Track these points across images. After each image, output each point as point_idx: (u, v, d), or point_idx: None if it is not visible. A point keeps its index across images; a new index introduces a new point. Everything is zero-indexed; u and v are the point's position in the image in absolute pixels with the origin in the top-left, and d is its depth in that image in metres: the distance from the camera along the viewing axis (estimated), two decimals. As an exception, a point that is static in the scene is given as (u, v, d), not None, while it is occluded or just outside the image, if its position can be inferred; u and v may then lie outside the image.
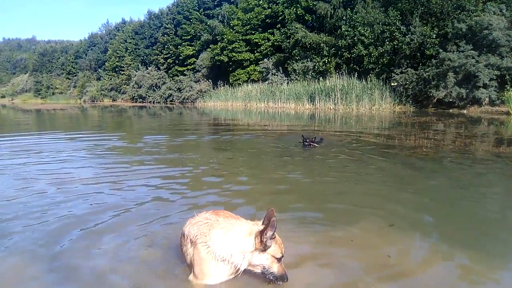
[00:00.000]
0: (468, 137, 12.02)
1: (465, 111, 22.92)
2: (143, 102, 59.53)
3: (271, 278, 2.86)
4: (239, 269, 2.83)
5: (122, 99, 67.35)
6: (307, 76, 34.02)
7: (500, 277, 3.24)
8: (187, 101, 51.12)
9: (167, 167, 7.60)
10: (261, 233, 2.75)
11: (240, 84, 41.31)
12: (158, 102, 56.39)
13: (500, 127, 15.76)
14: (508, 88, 22.23)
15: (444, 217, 4.75)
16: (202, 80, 50.45)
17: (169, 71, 58.00)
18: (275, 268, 2.84)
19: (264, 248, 2.77)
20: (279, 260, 2.85)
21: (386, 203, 5.24)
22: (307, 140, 9.77)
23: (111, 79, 70.73)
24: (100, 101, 71.08)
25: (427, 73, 24.88)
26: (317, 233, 4.05)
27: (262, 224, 2.89)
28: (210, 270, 2.83)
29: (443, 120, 18.17)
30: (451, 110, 23.46)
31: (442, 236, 4.07)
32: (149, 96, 59.46)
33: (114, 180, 6.49)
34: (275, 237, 2.80)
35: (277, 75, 37.99)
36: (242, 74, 42.52)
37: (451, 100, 23.66)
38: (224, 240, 2.79)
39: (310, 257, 3.48)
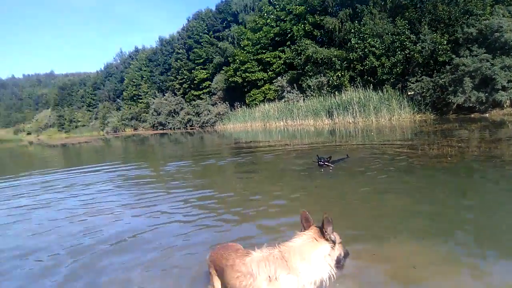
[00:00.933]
0: (493, 142, 11.90)
1: (487, 115, 22.61)
2: (163, 129, 60.55)
3: (342, 262, 2.95)
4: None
5: (143, 127, 68.65)
6: (322, 91, 34.16)
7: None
8: (206, 125, 51.81)
9: (194, 191, 7.88)
10: (322, 233, 2.85)
11: (257, 104, 41.75)
12: (179, 128, 57.28)
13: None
14: (528, 88, 21.89)
15: (479, 229, 4.80)
16: (219, 102, 51.19)
17: (185, 96, 59.11)
18: (342, 251, 2.96)
19: (333, 243, 2.86)
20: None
21: (411, 217, 5.34)
22: (322, 160, 9.48)
23: (130, 108, 72.41)
24: (122, 131, 72.63)
25: (442, 80, 24.72)
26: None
27: (304, 229, 2.95)
28: None
29: (465, 126, 17.98)
30: (472, 115, 23.17)
31: (475, 250, 4.15)
32: (168, 123, 60.51)
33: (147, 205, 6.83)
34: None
35: (292, 93, 38.26)
36: (257, 94, 42.99)
37: (471, 105, 23.39)
38: (308, 261, 2.78)
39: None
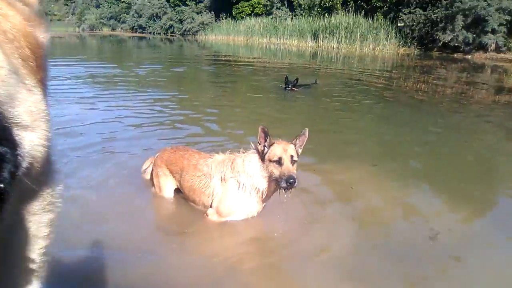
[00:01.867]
0: (468, 84, 11.95)
1: (469, 57, 22.47)
2: (143, 33, 57.88)
3: (285, 183, 2.88)
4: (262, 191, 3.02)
5: (121, 28, 65.34)
6: (312, 11, 32.79)
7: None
8: (188, 33, 49.65)
9: (160, 93, 7.79)
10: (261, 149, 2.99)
11: (243, 17, 39.90)
12: (159, 33, 54.85)
13: (503, 75, 15.58)
14: (516, 34, 21.62)
15: (427, 159, 4.94)
16: (205, 11, 48.70)
17: (170, 1, 55.84)
18: (284, 170, 2.89)
19: (263, 154, 2.97)
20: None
21: (372, 144, 5.43)
22: (289, 84, 9.07)
23: (110, 6, 68.17)
24: (99, 30, 69.17)
25: (435, 15, 24.00)
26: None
27: (261, 142, 2.99)
28: (240, 203, 3.07)
29: (446, 65, 17.92)
30: (455, 55, 22.98)
31: (422, 175, 4.31)
32: (149, 27, 57.64)
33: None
34: (273, 143, 2.94)
35: (281, 10, 36.63)
36: (246, 6, 40.90)
37: (456, 44, 23.07)
38: (246, 168, 3.03)
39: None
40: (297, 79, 9.22)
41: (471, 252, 2.92)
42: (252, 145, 3.10)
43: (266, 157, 2.93)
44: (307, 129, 3.01)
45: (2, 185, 0.51)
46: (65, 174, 3.77)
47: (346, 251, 2.88)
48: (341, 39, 27.49)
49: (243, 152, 3.17)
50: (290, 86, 9.05)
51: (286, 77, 9.38)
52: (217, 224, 3.12)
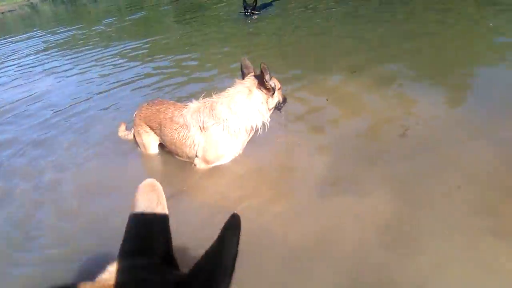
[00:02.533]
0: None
1: None
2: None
3: (280, 106, 3.15)
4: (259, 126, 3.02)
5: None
6: None
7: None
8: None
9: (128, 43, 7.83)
10: (261, 82, 2.89)
11: None
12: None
13: None
14: None
15: (410, 56, 4.92)
16: None
17: None
18: (281, 97, 3.12)
19: (273, 91, 2.94)
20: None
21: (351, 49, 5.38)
22: (248, 9, 8.40)
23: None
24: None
25: None
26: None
27: (243, 77, 3.00)
28: (227, 147, 3.06)
29: None
30: None
31: (402, 75, 4.34)
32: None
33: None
34: (272, 76, 2.91)
35: None
36: None
37: None
38: (235, 112, 2.91)
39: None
40: (255, 1, 8.51)
41: (440, 145, 2.92)
42: (243, 85, 2.96)
43: (277, 88, 2.97)
44: (263, 65, 2.79)
45: None
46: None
47: (318, 165, 2.95)
48: None
49: (217, 95, 3.01)
50: (249, 10, 8.41)
51: (244, 1, 8.56)
52: (208, 171, 3.14)
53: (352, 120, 3.55)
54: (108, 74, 6.25)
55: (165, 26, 10.29)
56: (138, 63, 6.60)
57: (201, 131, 2.98)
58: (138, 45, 7.81)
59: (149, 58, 6.81)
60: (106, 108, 4.81)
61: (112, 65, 6.78)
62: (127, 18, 12.86)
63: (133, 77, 5.84)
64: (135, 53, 7.25)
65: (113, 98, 5.14)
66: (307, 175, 2.89)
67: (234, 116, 2.90)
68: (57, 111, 4.96)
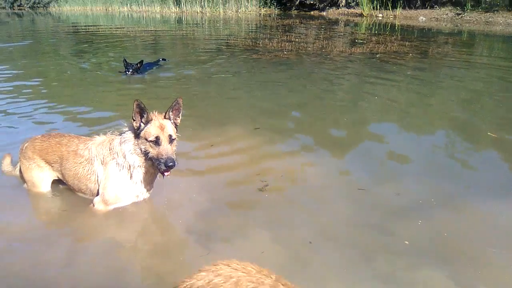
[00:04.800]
0: (326, 39, 12.94)
1: (324, 13, 24.26)
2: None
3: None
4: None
5: None
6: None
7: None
8: (38, 5, 43.52)
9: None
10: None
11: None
12: (3, 8, 47.16)
13: (355, 28, 17.27)
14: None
15: (302, 114, 5.37)
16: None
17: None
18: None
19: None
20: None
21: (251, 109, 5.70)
22: (129, 68, 7.51)
23: None
24: None
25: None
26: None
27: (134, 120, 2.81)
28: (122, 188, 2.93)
29: (304, 23, 19.06)
30: (312, 13, 24.56)
31: (294, 131, 4.69)
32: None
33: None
34: (151, 119, 2.74)
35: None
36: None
37: (312, 2, 24.68)
38: (127, 151, 2.85)
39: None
40: (141, 61, 7.80)
41: (294, 196, 3.36)
42: (125, 123, 2.92)
43: (142, 134, 2.71)
44: (179, 98, 2.82)
45: None
46: None
47: (194, 211, 3.08)
48: (204, 3, 27.19)
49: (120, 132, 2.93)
50: (130, 71, 7.54)
51: (124, 60, 7.71)
52: (105, 213, 2.93)
53: (234, 170, 3.81)
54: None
55: (53, 62, 9.64)
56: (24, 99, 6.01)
57: (103, 166, 2.91)
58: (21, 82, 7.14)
59: (34, 97, 6.27)
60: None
61: None
62: (16, 46, 11.77)
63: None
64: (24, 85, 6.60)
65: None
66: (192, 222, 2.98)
67: (121, 152, 2.86)
68: None
